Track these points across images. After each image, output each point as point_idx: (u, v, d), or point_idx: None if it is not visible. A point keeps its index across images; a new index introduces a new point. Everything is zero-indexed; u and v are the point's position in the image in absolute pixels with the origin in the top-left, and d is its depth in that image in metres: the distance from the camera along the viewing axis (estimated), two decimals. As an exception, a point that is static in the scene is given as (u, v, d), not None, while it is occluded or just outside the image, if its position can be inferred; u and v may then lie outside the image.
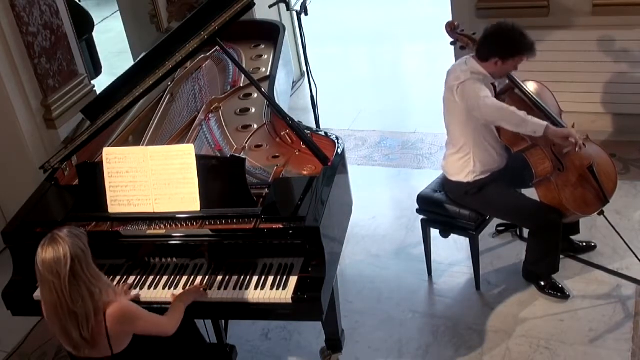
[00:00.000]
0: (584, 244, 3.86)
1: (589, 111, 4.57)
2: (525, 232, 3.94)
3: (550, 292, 3.61)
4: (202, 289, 2.90)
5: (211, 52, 4.16)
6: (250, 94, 3.90)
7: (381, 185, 4.80)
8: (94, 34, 5.99)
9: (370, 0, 7.79)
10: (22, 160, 4.53)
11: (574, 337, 3.39)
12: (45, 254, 2.42)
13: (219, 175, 2.99)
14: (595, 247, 3.85)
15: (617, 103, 4.55)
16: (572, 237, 3.82)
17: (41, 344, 3.90)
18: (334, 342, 3.30)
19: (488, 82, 3.42)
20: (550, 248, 3.51)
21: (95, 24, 6.09)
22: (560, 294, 3.60)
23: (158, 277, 3.02)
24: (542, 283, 3.63)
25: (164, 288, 2.98)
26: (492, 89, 3.45)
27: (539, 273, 3.63)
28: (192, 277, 2.99)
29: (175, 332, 2.83)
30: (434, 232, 3.80)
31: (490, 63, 3.37)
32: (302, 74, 5.89)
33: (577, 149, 3.33)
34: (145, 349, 2.68)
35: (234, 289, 2.91)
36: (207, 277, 2.98)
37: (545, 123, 3.32)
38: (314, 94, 4.47)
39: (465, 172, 3.52)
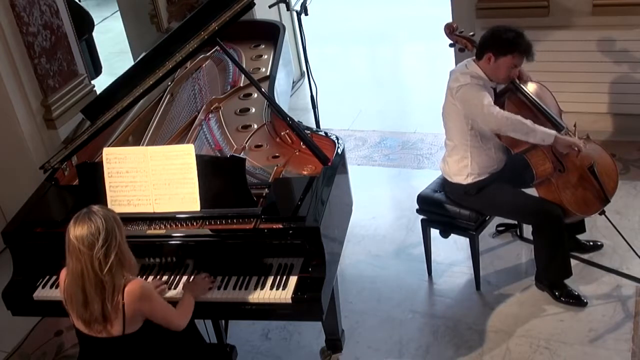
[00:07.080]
0: (591, 243, 3.84)
1: (589, 111, 4.56)
2: (525, 233, 3.95)
3: (565, 300, 3.54)
4: (207, 278, 2.92)
5: (211, 52, 4.16)
6: (250, 94, 3.90)
7: (381, 185, 4.80)
8: (94, 34, 5.99)
9: (370, 0, 7.80)
10: (22, 160, 4.53)
11: (574, 337, 3.39)
12: (80, 225, 2.49)
13: (219, 175, 2.98)
14: (602, 246, 3.82)
15: (617, 103, 4.55)
16: (578, 236, 3.80)
17: (41, 344, 3.89)
18: (334, 342, 3.29)
19: (488, 86, 3.42)
20: (556, 245, 3.44)
21: (95, 24, 6.09)
22: (576, 301, 3.53)
23: (158, 277, 3.02)
24: (557, 292, 3.56)
25: (163, 288, 2.98)
26: (492, 93, 3.44)
27: (552, 279, 3.56)
28: (192, 277, 2.99)
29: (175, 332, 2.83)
30: (434, 232, 3.80)
31: (484, 60, 3.37)
32: (302, 74, 5.88)
33: (577, 155, 3.36)
34: (146, 349, 2.68)
35: (234, 289, 2.91)
36: (207, 277, 2.98)
37: (554, 132, 3.32)
38: (314, 94, 4.47)
39: (463, 173, 3.51)
